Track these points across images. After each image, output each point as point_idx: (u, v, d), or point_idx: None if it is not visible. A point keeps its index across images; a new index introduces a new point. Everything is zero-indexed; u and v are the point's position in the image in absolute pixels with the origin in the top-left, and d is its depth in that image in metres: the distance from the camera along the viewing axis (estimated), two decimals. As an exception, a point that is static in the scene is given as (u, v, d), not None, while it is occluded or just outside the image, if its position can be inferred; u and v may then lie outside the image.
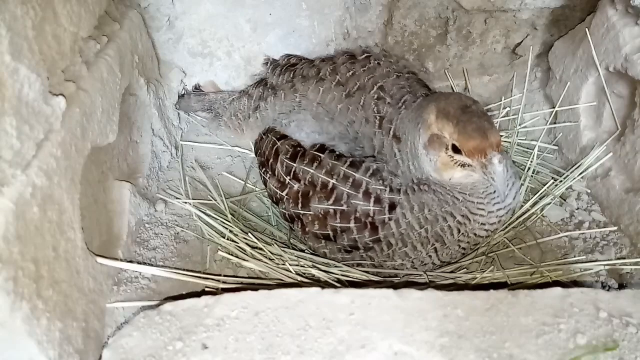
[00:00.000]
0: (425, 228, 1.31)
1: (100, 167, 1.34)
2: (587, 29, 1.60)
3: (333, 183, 1.34)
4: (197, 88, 1.93)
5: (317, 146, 1.41)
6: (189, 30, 1.80)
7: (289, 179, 1.42)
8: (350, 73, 1.51)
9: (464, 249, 1.39)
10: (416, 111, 1.32)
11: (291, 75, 1.63)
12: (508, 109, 1.94)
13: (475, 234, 1.34)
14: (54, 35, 1.09)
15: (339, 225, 1.35)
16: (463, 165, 1.22)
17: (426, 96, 1.43)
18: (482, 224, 1.33)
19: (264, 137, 1.58)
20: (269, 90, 1.65)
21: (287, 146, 1.46)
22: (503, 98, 1.97)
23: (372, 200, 1.31)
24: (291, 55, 1.81)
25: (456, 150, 1.20)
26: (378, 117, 1.38)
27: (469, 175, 1.25)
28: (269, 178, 1.50)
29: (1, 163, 0.88)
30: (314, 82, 1.52)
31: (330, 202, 1.34)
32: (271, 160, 1.49)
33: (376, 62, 1.55)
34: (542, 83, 1.95)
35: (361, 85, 1.46)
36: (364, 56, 1.57)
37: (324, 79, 1.53)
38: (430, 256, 1.37)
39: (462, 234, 1.33)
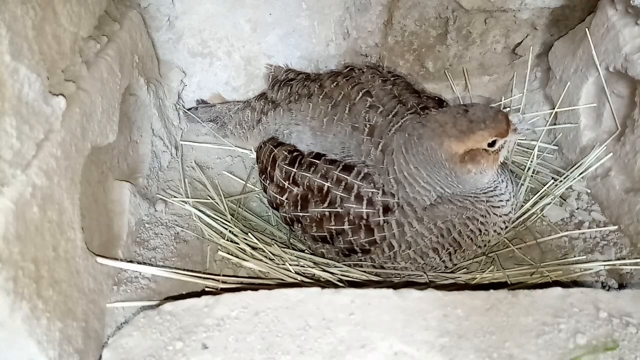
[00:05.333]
0: (436, 234, 1.31)
1: (100, 167, 1.34)
2: (587, 29, 1.60)
3: (328, 186, 1.35)
4: (202, 102, 1.98)
5: (314, 153, 1.43)
6: (189, 30, 1.80)
7: (288, 184, 1.43)
8: (334, 84, 1.53)
9: (479, 247, 1.40)
10: (419, 152, 1.27)
11: (288, 92, 1.66)
12: (508, 109, 1.94)
13: (495, 230, 1.37)
14: (54, 35, 1.09)
15: (334, 227, 1.36)
16: (501, 148, 1.29)
17: (413, 117, 1.37)
18: (499, 215, 1.36)
19: (262, 145, 1.60)
20: (270, 104, 1.68)
21: (284, 152, 1.48)
22: (503, 98, 1.97)
23: (364, 203, 1.32)
24: (290, 69, 1.83)
25: (491, 144, 1.25)
26: (368, 126, 1.38)
27: (506, 150, 1.32)
28: (268, 185, 1.51)
29: (1, 163, 0.88)
30: (305, 99, 1.55)
31: (326, 205, 1.36)
32: (269, 168, 1.50)
33: (360, 70, 1.57)
34: (542, 83, 1.95)
35: (345, 94, 1.47)
36: (347, 69, 1.61)
37: (312, 94, 1.55)
38: (443, 261, 1.38)
39: (484, 232, 1.35)
